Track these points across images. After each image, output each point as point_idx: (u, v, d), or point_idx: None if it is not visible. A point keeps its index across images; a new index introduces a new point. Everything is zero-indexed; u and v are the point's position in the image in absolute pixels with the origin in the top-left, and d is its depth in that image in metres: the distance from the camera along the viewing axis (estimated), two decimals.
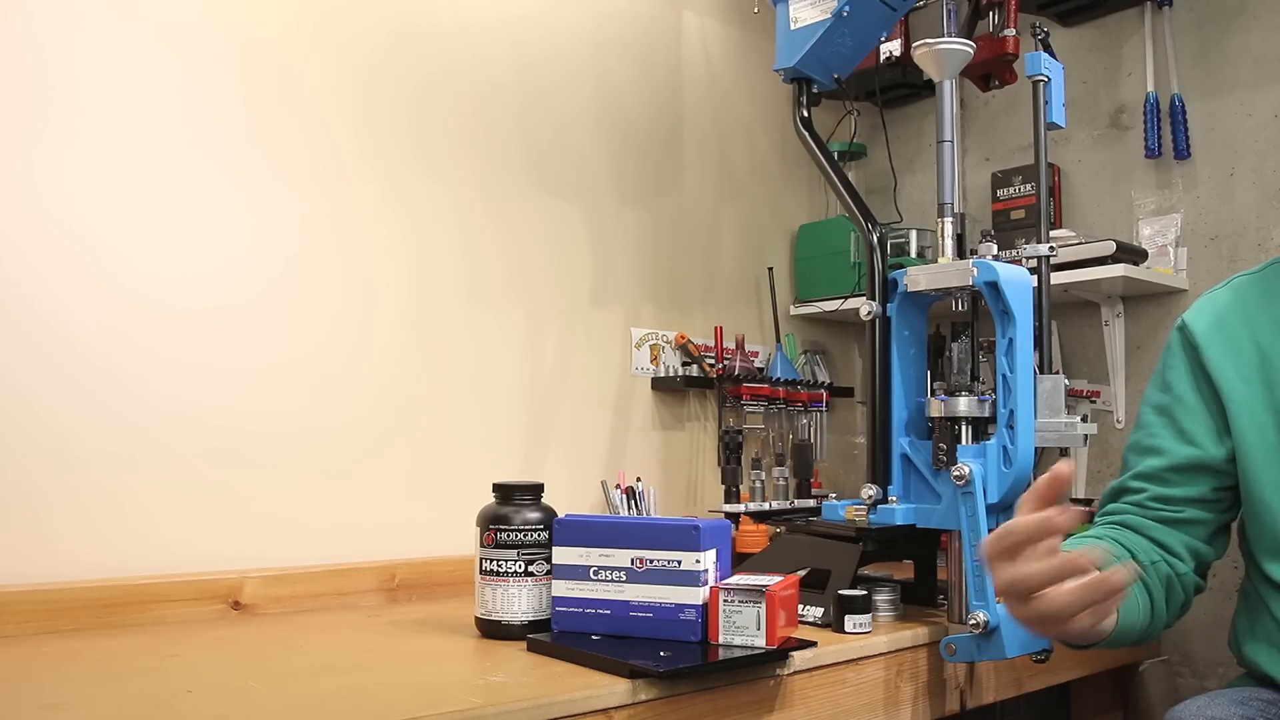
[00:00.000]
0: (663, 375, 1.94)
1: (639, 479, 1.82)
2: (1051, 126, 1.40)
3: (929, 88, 2.10)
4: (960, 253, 1.29)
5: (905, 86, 2.14)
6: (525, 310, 1.76)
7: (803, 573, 1.26)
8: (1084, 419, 1.87)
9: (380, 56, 1.61)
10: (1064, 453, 1.90)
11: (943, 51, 1.28)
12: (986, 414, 1.23)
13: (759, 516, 1.77)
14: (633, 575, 1.08)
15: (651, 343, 1.95)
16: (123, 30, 1.36)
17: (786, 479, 1.92)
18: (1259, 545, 1.17)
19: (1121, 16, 1.97)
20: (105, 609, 1.26)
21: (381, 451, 1.57)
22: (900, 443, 1.30)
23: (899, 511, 1.28)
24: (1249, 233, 1.80)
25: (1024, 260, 1.35)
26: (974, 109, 2.20)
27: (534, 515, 1.15)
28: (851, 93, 1.92)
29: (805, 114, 1.44)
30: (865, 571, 1.36)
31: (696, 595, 1.06)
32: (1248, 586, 1.23)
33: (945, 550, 1.28)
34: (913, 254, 2.01)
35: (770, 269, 2.14)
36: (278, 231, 1.49)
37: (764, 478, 1.91)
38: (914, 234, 2.03)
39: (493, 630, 1.15)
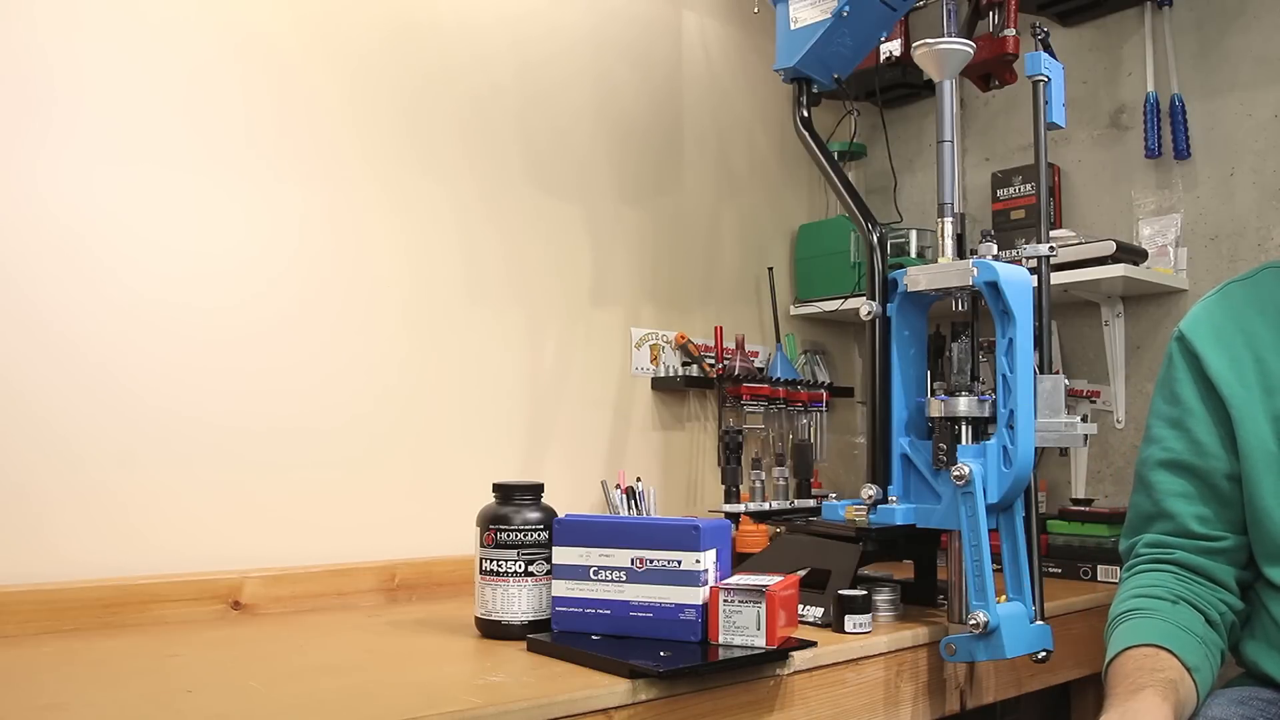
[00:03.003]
0: (663, 375, 1.94)
1: (639, 479, 1.82)
2: (1051, 126, 1.40)
3: (929, 88, 2.10)
4: (960, 253, 1.29)
5: (905, 86, 2.14)
6: (525, 310, 1.76)
7: (803, 573, 1.26)
8: (1084, 419, 1.87)
9: (380, 56, 1.61)
10: (1064, 453, 1.90)
11: (943, 51, 1.28)
12: (986, 414, 1.23)
13: (759, 516, 1.77)
14: (633, 575, 1.08)
15: (651, 343, 1.95)
16: (123, 31, 1.36)
17: (786, 479, 1.92)
18: (1259, 550, 1.18)
19: (1121, 16, 1.97)
20: (105, 609, 1.26)
21: (381, 451, 1.57)
22: (900, 443, 1.30)
23: (899, 511, 1.28)
24: (1249, 233, 1.80)
25: (1024, 260, 1.35)
26: (974, 109, 2.20)
27: (534, 515, 1.15)
28: (851, 93, 1.92)
29: (805, 114, 1.44)
30: (865, 571, 1.36)
31: (696, 595, 1.06)
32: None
33: (945, 550, 1.28)
34: (913, 254, 2.01)
35: (770, 269, 2.14)
36: (278, 231, 1.49)
37: (764, 478, 1.91)
38: (914, 234, 2.03)
39: (493, 630, 1.15)
